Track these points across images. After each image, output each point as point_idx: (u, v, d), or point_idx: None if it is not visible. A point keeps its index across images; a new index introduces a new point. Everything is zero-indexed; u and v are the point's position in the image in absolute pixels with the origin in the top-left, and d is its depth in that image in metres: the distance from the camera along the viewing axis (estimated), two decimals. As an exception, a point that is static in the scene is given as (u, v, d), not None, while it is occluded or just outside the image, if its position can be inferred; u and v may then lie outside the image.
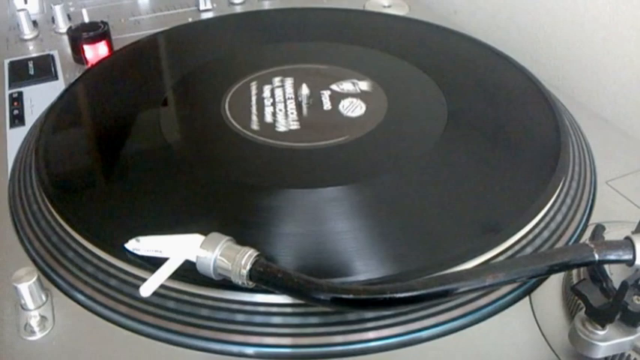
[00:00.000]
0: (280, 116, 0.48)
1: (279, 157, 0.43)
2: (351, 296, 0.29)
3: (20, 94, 0.57)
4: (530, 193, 0.39)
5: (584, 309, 0.29)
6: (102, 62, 0.58)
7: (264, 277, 0.30)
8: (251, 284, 0.31)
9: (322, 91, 0.51)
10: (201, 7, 0.73)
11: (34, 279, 0.34)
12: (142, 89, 0.53)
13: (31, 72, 0.61)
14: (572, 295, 0.32)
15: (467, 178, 0.41)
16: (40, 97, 0.56)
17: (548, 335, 0.33)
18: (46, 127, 0.47)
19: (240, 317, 0.33)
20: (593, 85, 0.62)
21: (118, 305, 0.35)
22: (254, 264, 0.31)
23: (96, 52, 0.61)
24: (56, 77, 0.60)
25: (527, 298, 0.35)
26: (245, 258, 0.31)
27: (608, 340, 0.29)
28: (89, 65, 0.60)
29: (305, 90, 0.49)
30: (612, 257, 0.29)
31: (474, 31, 0.64)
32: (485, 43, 0.58)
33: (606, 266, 0.31)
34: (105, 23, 0.62)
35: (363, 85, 0.52)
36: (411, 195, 0.40)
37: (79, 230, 0.38)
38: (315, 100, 0.50)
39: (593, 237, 0.33)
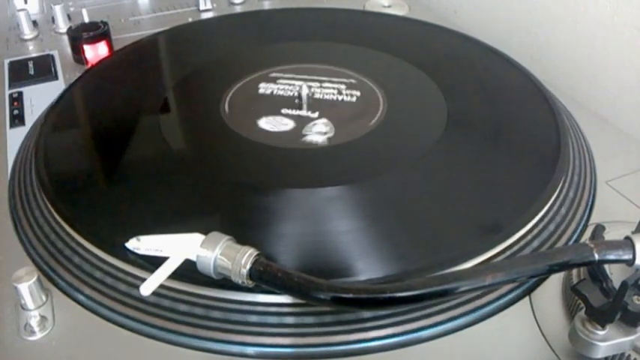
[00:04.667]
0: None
1: (279, 157, 0.43)
2: (350, 295, 0.29)
3: (20, 94, 0.57)
4: (530, 192, 0.39)
5: (584, 309, 0.29)
6: (102, 62, 0.58)
7: (264, 277, 0.30)
8: (251, 283, 0.31)
9: (322, 91, 0.51)
10: (201, 7, 0.73)
11: (34, 279, 0.34)
12: (142, 89, 0.53)
13: (31, 72, 0.61)
14: (572, 295, 0.32)
15: (467, 178, 0.41)
16: (40, 97, 0.56)
17: (548, 335, 0.33)
18: (46, 127, 0.47)
19: (240, 317, 0.33)
20: (593, 85, 0.63)
21: (118, 305, 0.35)
22: (254, 263, 0.31)
23: (96, 52, 0.61)
24: (56, 77, 0.60)
25: (527, 298, 0.35)
26: (245, 257, 0.31)
27: (608, 340, 0.29)
28: (89, 65, 0.60)
29: (305, 90, 0.49)
30: (612, 257, 0.29)
31: (473, 31, 0.64)
32: (485, 43, 0.58)
33: (606, 266, 0.31)
34: (105, 23, 0.63)
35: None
36: (411, 195, 0.40)
37: (79, 230, 0.38)
38: (314, 100, 0.50)
39: (593, 237, 0.33)
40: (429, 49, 0.58)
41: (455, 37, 0.60)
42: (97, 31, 0.61)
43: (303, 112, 0.48)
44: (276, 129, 0.46)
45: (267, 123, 0.46)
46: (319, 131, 0.45)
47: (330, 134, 0.45)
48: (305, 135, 0.45)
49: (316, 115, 0.48)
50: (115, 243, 0.35)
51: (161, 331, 0.34)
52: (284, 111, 0.48)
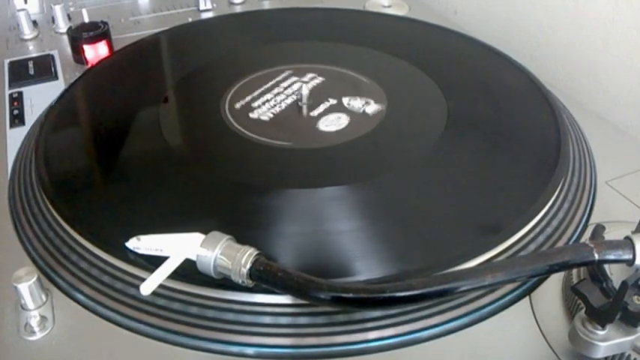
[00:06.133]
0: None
1: (279, 157, 0.43)
2: (350, 295, 0.29)
3: (20, 94, 0.57)
4: (530, 193, 0.39)
5: (584, 309, 0.29)
6: (102, 62, 0.58)
7: (264, 276, 0.30)
8: (251, 283, 0.31)
9: (322, 92, 0.51)
10: (201, 7, 0.73)
11: (34, 279, 0.34)
12: (142, 89, 0.53)
13: (31, 72, 0.61)
14: (572, 295, 0.32)
15: (467, 178, 0.41)
16: (40, 97, 0.56)
17: (548, 335, 0.33)
18: (46, 127, 0.47)
19: (240, 317, 0.33)
20: (593, 85, 0.63)
21: (118, 305, 0.35)
22: (254, 263, 0.31)
23: (96, 52, 0.61)
24: (56, 77, 0.60)
25: (527, 298, 0.35)
26: (245, 257, 0.31)
27: (608, 340, 0.29)
28: (89, 65, 0.60)
29: (305, 90, 0.49)
30: (612, 257, 0.29)
31: (473, 31, 0.64)
32: (485, 43, 0.58)
33: (606, 266, 0.31)
34: (105, 23, 0.63)
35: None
36: (411, 195, 0.40)
37: (79, 230, 0.38)
38: (314, 100, 0.50)
39: (593, 237, 0.33)
40: (429, 49, 0.58)
41: (455, 37, 0.60)
42: (97, 31, 0.61)
43: (331, 102, 0.48)
44: (336, 127, 0.46)
45: (326, 125, 0.46)
46: (363, 103, 0.45)
47: (370, 99, 0.46)
48: (365, 111, 0.46)
49: (335, 101, 0.48)
50: (115, 243, 0.35)
51: (161, 331, 0.33)
52: (314, 113, 0.48)
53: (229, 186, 0.41)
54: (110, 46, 0.62)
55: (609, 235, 0.33)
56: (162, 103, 0.50)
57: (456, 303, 0.34)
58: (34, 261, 0.38)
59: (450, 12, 0.81)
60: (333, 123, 0.47)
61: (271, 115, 0.48)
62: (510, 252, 0.36)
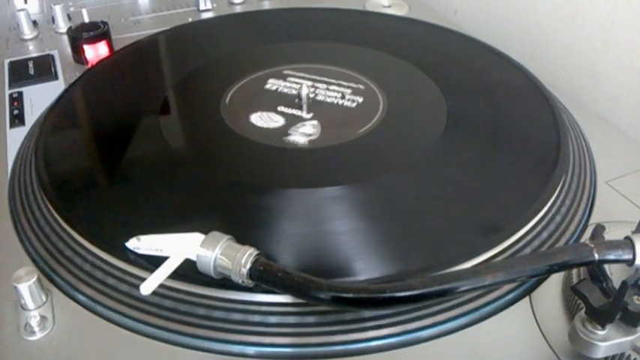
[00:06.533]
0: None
1: (279, 156, 0.43)
2: (350, 295, 0.29)
3: (20, 94, 0.57)
4: (530, 192, 0.39)
5: (584, 309, 0.29)
6: (102, 62, 0.58)
7: (264, 276, 0.30)
8: (251, 283, 0.31)
9: (322, 92, 0.51)
10: (201, 7, 0.73)
11: (34, 279, 0.34)
12: (142, 89, 0.53)
13: (31, 72, 0.61)
14: (572, 295, 0.32)
15: (466, 177, 0.41)
16: (40, 97, 0.56)
17: (548, 335, 0.33)
18: (46, 127, 0.47)
19: (240, 317, 0.33)
20: (593, 85, 0.63)
21: (118, 305, 0.35)
22: (254, 263, 0.31)
23: (96, 52, 0.61)
24: (56, 77, 0.60)
25: (527, 298, 0.35)
26: (245, 257, 0.31)
27: (608, 340, 0.29)
28: (89, 65, 0.60)
29: (304, 90, 0.49)
30: (612, 257, 0.29)
31: (473, 31, 0.64)
32: (485, 43, 0.58)
33: (606, 266, 0.31)
34: (105, 23, 0.63)
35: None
36: (411, 195, 0.40)
37: (79, 230, 0.38)
38: (314, 100, 0.50)
39: (593, 237, 0.33)
40: (429, 49, 0.58)
41: (455, 37, 0.60)
42: (97, 31, 0.61)
43: (298, 112, 0.48)
44: (265, 125, 0.46)
45: (258, 118, 0.47)
46: (304, 132, 0.45)
47: (314, 137, 0.45)
48: (289, 135, 0.45)
49: (310, 115, 0.48)
50: (115, 243, 0.35)
51: (161, 331, 0.33)
52: (279, 108, 0.48)
53: (230, 186, 0.41)
54: (110, 46, 0.62)
55: (609, 235, 0.33)
56: (162, 103, 0.50)
57: (455, 303, 0.34)
58: (34, 261, 0.38)
59: (450, 12, 0.81)
60: (267, 120, 0.47)
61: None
62: (510, 252, 0.36)
